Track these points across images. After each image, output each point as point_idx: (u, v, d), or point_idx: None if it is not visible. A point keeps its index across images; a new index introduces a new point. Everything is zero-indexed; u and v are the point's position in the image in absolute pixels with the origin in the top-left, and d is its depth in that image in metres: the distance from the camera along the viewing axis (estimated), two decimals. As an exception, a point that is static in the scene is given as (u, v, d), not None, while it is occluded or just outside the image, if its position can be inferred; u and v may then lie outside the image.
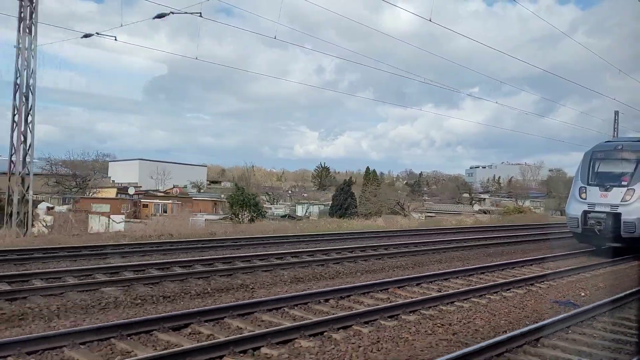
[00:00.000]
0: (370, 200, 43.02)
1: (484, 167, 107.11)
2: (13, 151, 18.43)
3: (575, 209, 16.88)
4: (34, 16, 18.04)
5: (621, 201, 15.67)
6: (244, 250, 14.47)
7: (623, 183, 16.02)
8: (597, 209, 16.19)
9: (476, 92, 52.95)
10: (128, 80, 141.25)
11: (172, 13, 18.17)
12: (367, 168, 50.31)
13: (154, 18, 18.02)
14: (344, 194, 44.14)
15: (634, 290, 9.78)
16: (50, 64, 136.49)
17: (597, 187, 16.47)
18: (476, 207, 57.90)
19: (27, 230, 18.27)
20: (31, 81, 18.14)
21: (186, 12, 17.89)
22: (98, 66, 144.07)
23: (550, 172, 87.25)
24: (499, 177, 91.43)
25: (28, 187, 18.60)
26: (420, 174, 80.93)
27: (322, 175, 76.56)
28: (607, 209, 15.92)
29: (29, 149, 18.59)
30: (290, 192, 73.75)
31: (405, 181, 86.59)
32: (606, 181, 16.41)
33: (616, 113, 43.58)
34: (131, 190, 48.59)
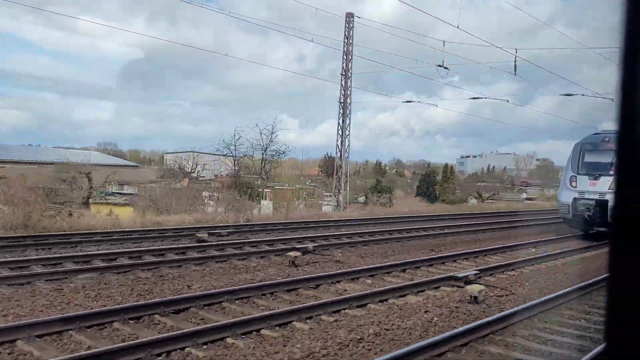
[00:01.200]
0: (452, 189, 50.22)
1: (475, 157, 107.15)
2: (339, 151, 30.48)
3: (566, 196, 18.06)
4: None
5: (609, 189, 16.66)
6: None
7: (610, 172, 17.14)
8: (586, 196, 17.32)
9: (456, 82, 53.85)
10: (102, 66, 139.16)
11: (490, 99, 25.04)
12: (446, 164, 58.64)
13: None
14: (426, 184, 50.58)
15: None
16: (22, 48, 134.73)
17: (587, 176, 17.60)
18: (523, 195, 59.74)
19: (344, 206, 29.27)
20: (348, 102, 29.92)
21: (495, 98, 28.43)
22: (71, 51, 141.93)
23: (537, 161, 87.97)
24: (493, 167, 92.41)
25: (346, 181, 30.73)
26: (429, 165, 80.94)
27: (329, 164, 77.33)
28: (596, 197, 17.00)
29: (347, 143, 30.55)
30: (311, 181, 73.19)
31: (413, 171, 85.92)
32: (595, 170, 17.46)
33: None
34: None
